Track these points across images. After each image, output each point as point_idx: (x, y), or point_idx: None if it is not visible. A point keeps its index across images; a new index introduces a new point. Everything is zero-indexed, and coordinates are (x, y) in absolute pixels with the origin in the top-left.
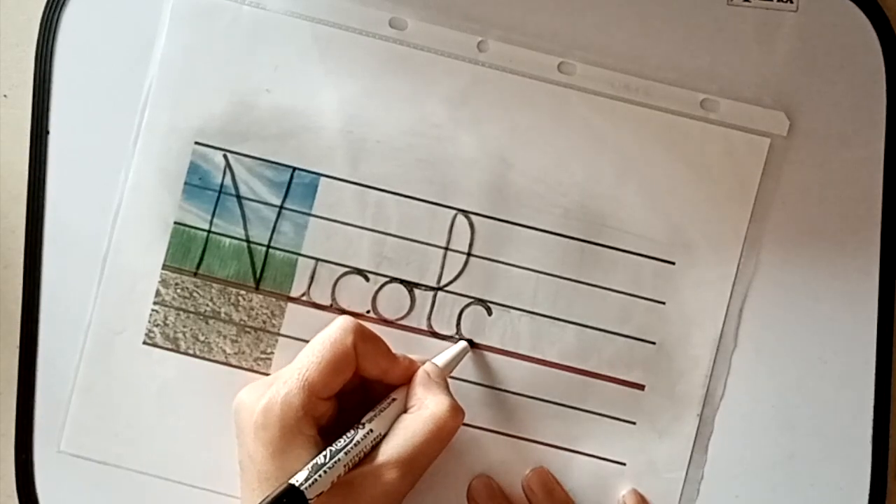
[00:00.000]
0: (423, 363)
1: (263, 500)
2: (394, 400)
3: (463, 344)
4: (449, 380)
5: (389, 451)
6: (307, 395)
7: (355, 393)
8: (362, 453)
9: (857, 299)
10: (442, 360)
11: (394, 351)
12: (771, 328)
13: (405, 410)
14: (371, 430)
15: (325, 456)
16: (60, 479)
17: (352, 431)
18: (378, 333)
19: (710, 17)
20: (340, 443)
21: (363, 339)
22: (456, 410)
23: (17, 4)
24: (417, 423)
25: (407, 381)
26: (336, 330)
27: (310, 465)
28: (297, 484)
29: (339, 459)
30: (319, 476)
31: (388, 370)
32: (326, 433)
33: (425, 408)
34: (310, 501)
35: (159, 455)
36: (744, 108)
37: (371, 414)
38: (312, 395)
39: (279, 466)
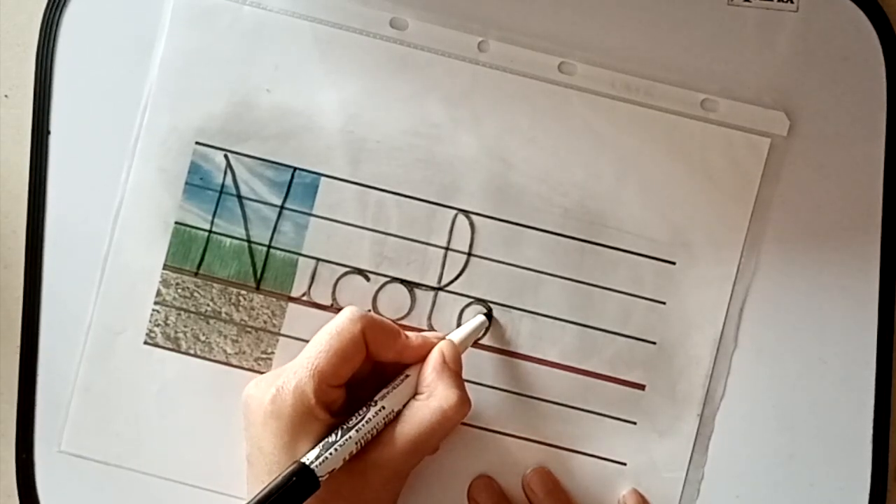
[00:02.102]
0: (440, 339)
1: (274, 479)
2: (407, 376)
3: (480, 318)
4: None
5: (398, 436)
6: (317, 382)
7: (368, 381)
8: (375, 430)
9: (857, 299)
10: (458, 335)
11: (408, 332)
12: (771, 328)
13: (416, 393)
14: (383, 408)
15: (336, 434)
16: (61, 479)
17: (364, 409)
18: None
19: (710, 17)
20: (352, 420)
21: (372, 327)
22: (462, 403)
23: (17, 4)
24: (425, 412)
25: (423, 359)
26: (343, 319)
27: (321, 444)
28: (307, 463)
29: (350, 437)
30: (330, 454)
31: (402, 352)
32: (339, 420)
33: (434, 398)
34: (321, 479)
35: (159, 455)
36: (744, 108)
37: (384, 391)
38: (323, 382)
39: (291, 456)
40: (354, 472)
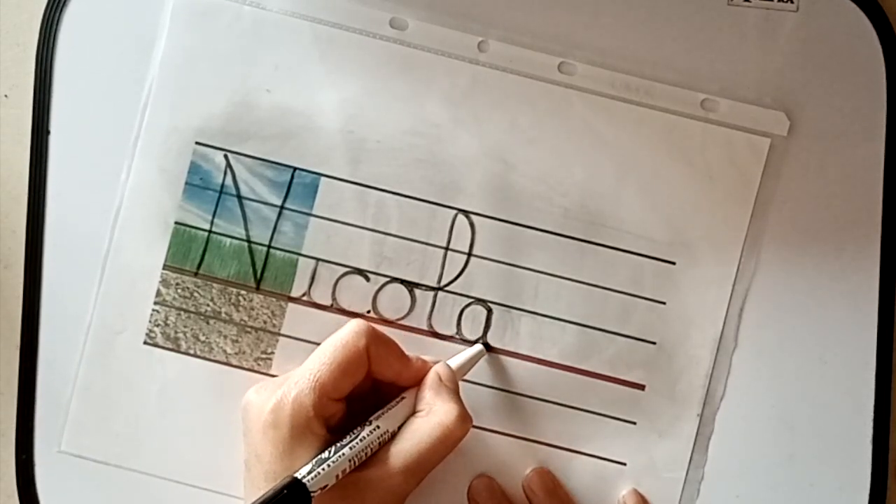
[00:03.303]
0: (437, 364)
1: (266, 492)
2: (403, 398)
3: (479, 347)
4: None
5: (396, 454)
6: (318, 395)
7: (366, 397)
8: (369, 450)
9: (857, 299)
10: (456, 362)
11: (407, 353)
12: (771, 328)
13: (414, 412)
14: (377, 427)
15: (329, 451)
16: (61, 479)
17: (358, 428)
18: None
19: (710, 17)
20: (346, 439)
21: (376, 343)
22: (463, 418)
23: (17, 4)
24: (425, 428)
25: (419, 382)
26: (349, 333)
27: (314, 460)
28: (300, 477)
29: (343, 454)
30: (322, 470)
31: (401, 372)
32: (336, 436)
33: (434, 414)
34: (313, 495)
35: (159, 455)
36: (744, 108)
37: (380, 412)
38: (323, 395)
39: (287, 466)
40: (350, 491)
